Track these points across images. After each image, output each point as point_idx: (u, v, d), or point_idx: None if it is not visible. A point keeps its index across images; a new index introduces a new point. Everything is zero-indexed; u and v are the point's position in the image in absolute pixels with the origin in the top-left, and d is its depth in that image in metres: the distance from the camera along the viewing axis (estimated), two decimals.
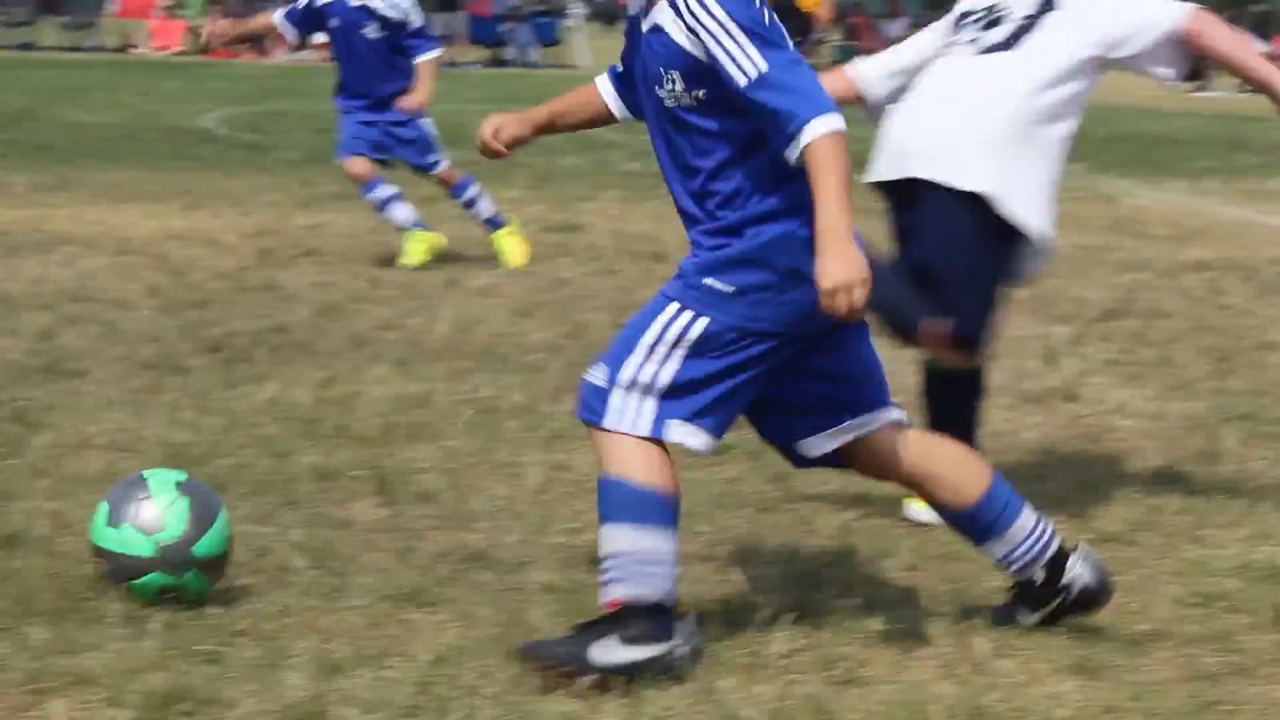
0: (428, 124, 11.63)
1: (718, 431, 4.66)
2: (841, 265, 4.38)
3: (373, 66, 11.46)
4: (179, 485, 5.07)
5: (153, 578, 4.95)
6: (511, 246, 11.49)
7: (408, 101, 11.43)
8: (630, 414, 4.59)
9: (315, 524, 5.84)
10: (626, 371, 4.60)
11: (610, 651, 4.52)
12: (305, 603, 5.07)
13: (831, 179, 4.41)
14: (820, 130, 4.41)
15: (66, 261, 10.99)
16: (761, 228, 4.59)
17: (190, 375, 8.00)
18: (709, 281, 4.60)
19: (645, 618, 4.54)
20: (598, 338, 9.16)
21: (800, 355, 4.69)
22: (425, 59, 11.57)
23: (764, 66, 4.45)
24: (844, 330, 4.69)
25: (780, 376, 4.71)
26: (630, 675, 4.50)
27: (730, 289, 4.58)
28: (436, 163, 11.65)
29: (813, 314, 4.52)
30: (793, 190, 4.55)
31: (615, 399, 4.60)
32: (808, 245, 4.49)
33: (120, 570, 4.98)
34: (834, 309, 4.41)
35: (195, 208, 13.88)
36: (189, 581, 4.98)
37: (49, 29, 42.97)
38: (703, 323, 4.59)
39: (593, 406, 4.64)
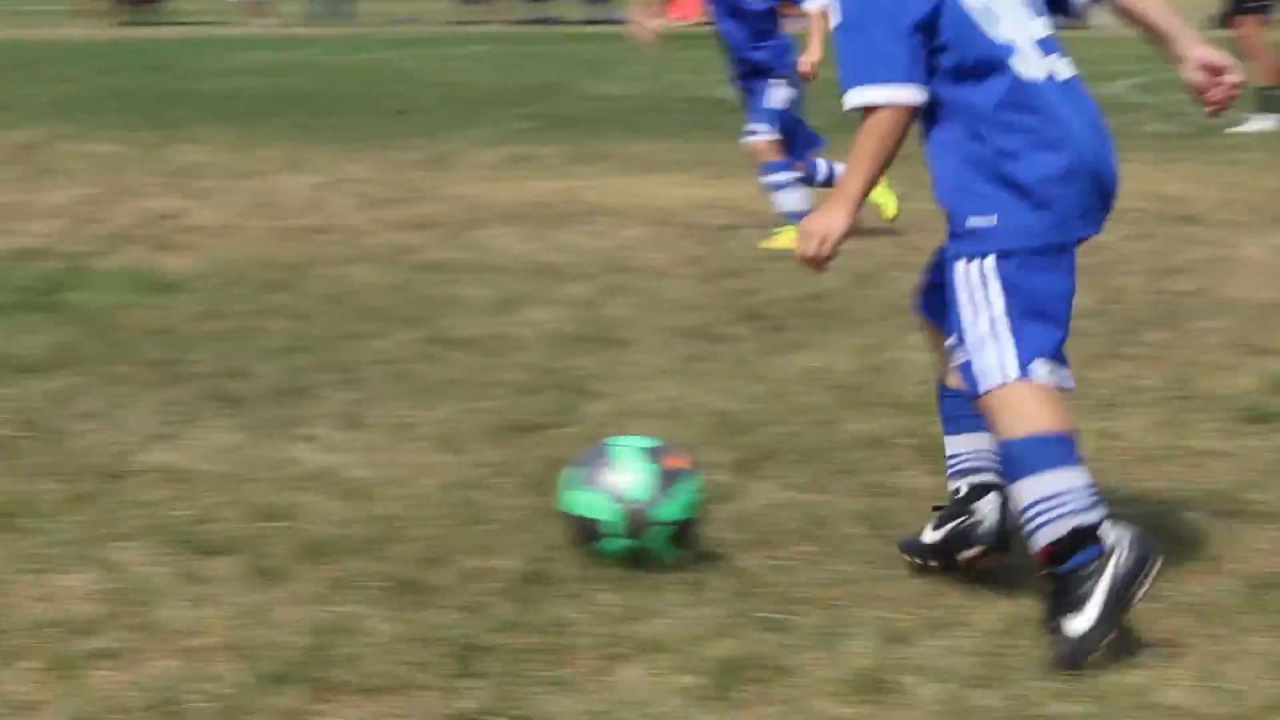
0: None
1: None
2: (825, 219, 4.61)
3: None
4: (645, 451, 5.19)
5: (617, 541, 5.08)
6: (885, 198, 10.93)
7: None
8: (995, 367, 4.55)
9: (868, 492, 5.85)
10: (971, 336, 4.57)
11: (1082, 617, 4.42)
12: (866, 571, 5.08)
13: (856, 148, 4.58)
14: (852, 102, 4.57)
15: (604, 232, 11.25)
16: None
17: (732, 343, 8.11)
18: (970, 224, 4.58)
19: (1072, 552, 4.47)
20: (1136, 302, 8.98)
21: None
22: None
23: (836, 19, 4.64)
24: None
25: None
26: (1118, 607, 4.43)
27: (991, 220, 4.55)
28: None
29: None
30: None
31: (978, 364, 4.57)
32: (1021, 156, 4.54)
33: (585, 532, 5.13)
34: (800, 250, 4.64)
35: (721, 176, 14.05)
36: (652, 545, 5.08)
37: (569, 3, 44.12)
38: (990, 260, 4.54)
39: (971, 381, 4.62)
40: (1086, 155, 4.63)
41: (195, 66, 25.61)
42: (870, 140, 4.55)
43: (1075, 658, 4.39)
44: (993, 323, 4.57)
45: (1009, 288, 4.57)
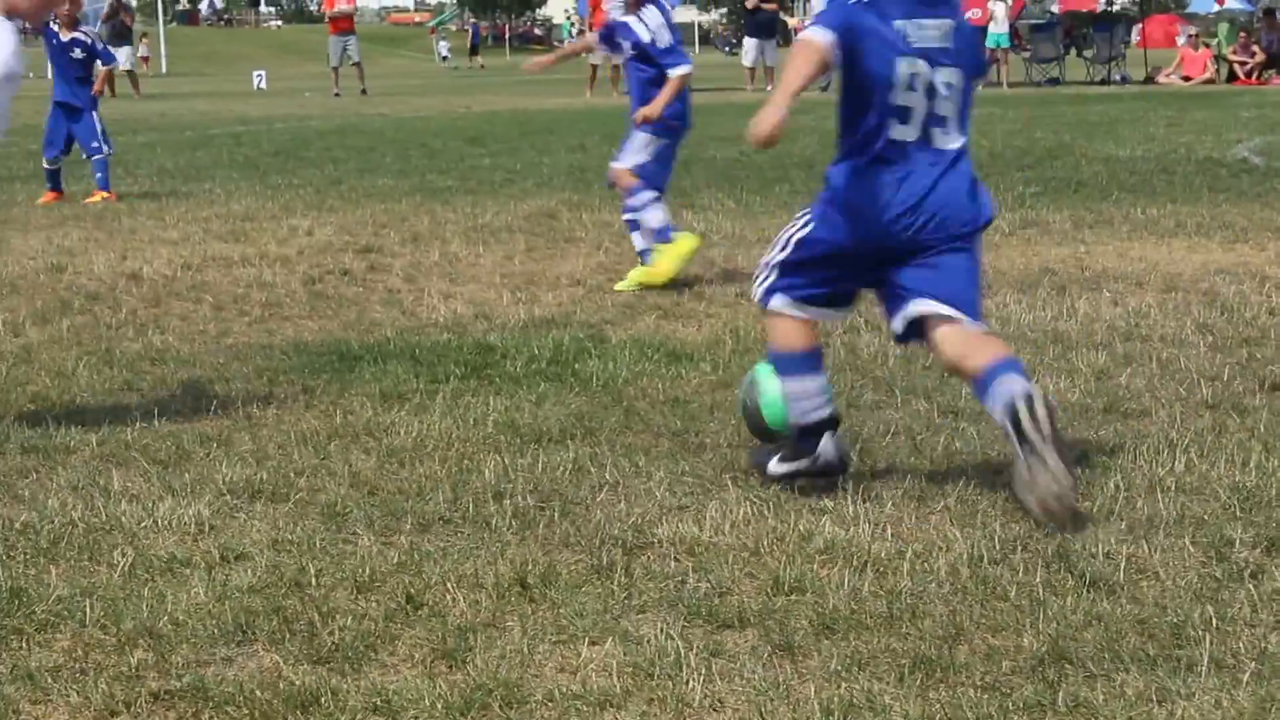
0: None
1: None
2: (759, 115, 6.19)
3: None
4: None
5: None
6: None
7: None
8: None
9: None
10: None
11: (774, 466, 6.71)
12: None
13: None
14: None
15: (1115, 299, 11.04)
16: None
17: (1251, 415, 7.85)
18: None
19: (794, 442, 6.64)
20: None
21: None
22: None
23: None
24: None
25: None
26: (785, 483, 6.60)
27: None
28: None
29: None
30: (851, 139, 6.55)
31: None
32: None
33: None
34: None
35: (1235, 241, 13.68)
36: None
37: (1075, 63, 43.65)
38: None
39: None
40: None
41: (705, 133, 26.07)
42: (791, 63, 6.40)
43: (761, 474, 6.78)
44: None
45: None
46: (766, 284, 6.78)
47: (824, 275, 6.68)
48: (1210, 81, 41.32)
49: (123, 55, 44.45)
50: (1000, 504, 6.46)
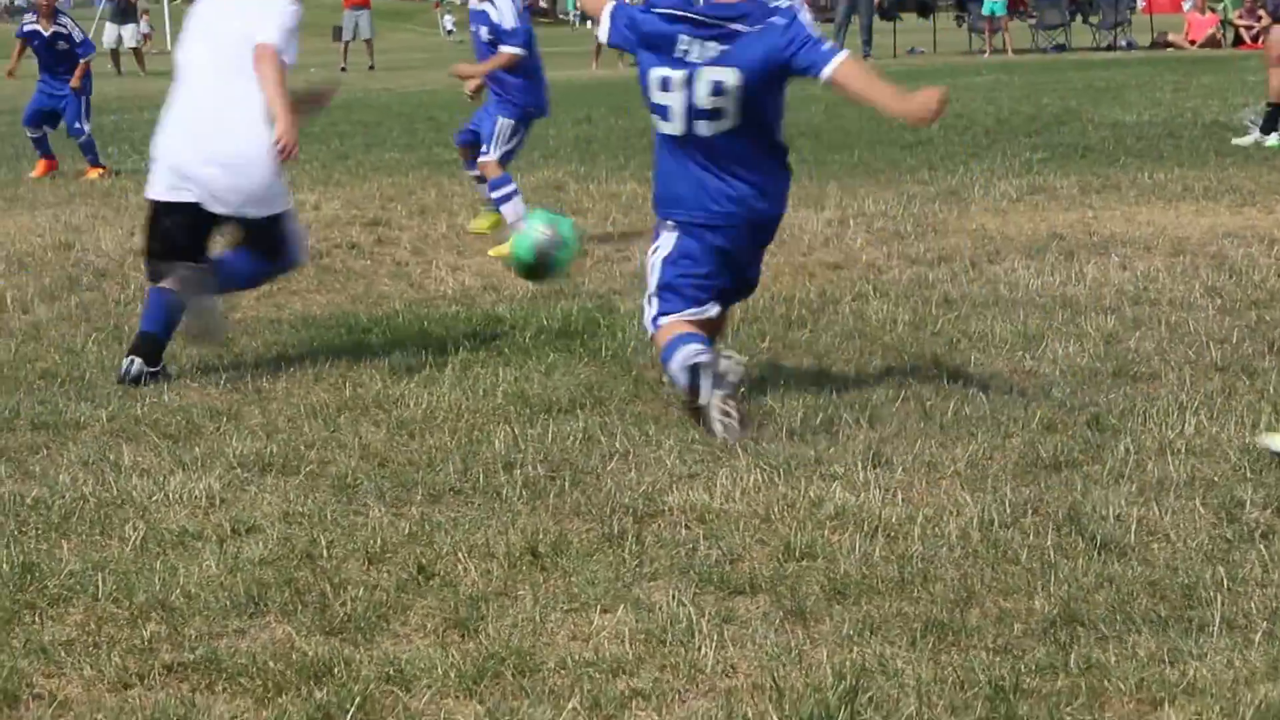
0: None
1: None
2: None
3: None
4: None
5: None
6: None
7: None
8: None
9: None
10: None
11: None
12: None
13: None
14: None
15: (1123, 263, 11.03)
16: None
17: (1260, 377, 7.84)
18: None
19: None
20: None
21: None
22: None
23: None
24: None
25: None
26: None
27: None
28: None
29: None
30: None
31: None
32: None
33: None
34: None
35: (1241, 204, 13.65)
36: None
37: (1081, 30, 43.53)
38: None
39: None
40: None
41: None
42: None
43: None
44: None
45: None
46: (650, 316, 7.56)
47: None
48: (1215, 45, 41.19)
49: (128, 33, 44.39)
50: (1010, 468, 6.46)
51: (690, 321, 7.40)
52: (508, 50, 12.51)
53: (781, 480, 6.37)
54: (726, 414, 6.98)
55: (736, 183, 7.35)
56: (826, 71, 7.17)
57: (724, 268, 7.50)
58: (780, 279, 10.75)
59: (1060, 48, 42.68)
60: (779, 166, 7.53)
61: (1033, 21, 44.14)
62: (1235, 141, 18.26)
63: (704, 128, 7.28)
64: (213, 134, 8.26)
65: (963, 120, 21.51)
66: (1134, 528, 5.71)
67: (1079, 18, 44.16)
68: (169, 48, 66.30)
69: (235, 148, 8.21)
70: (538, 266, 8.30)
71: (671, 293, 7.47)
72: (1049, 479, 6.35)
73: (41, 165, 18.65)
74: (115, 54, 43.89)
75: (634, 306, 9.79)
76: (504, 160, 12.57)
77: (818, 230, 12.75)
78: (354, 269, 11.76)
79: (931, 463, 6.58)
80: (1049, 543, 5.60)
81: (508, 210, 12.46)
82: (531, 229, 8.27)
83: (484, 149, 12.56)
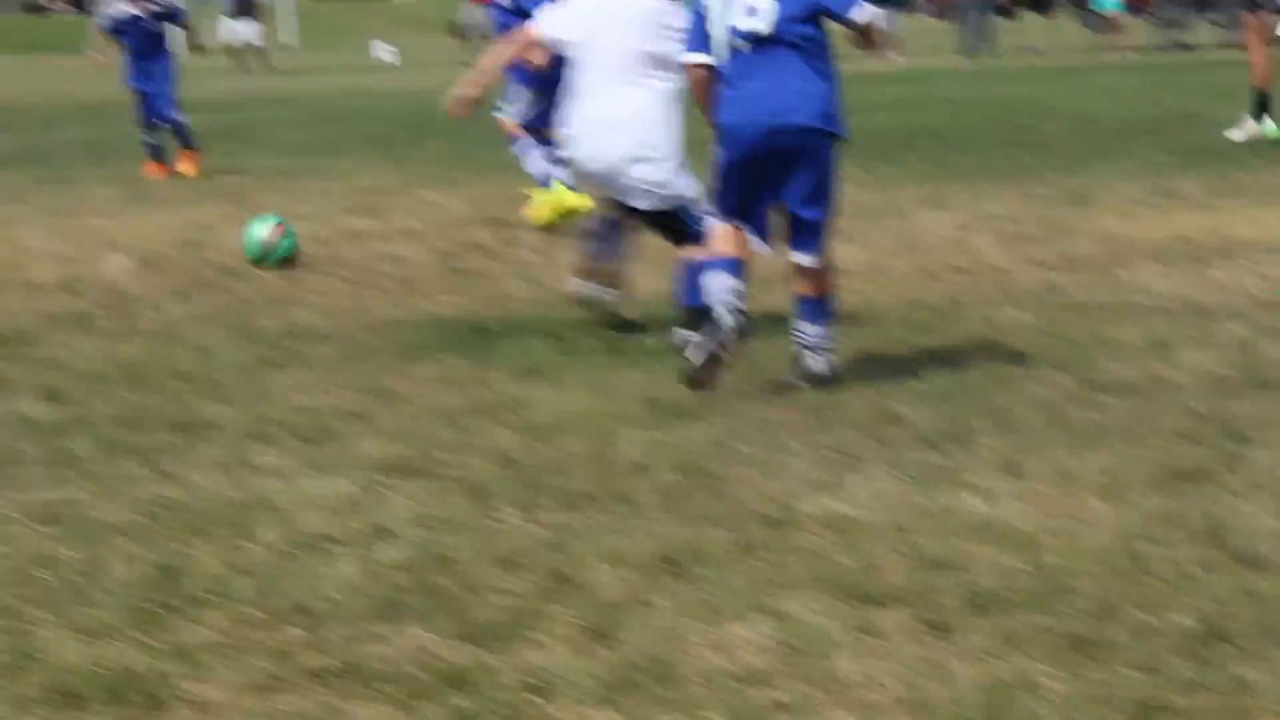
0: None
1: None
2: None
3: None
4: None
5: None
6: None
7: None
8: None
9: None
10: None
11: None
12: None
13: None
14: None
15: (1253, 268, 10.90)
16: None
17: None
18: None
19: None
20: None
21: None
22: None
23: None
24: None
25: None
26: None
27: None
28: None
29: None
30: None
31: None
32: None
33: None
34: None
35: None
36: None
37: (1202, 27, 43.10)
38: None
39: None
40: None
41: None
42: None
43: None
44: None
45: None
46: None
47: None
48: None
49: (253, 30, 44.74)
50: (1146, 479, 6.39)
51: (733, 242, 8.02)
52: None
53: (916, 489, 6.33)
54: (710, 353, 7.77)
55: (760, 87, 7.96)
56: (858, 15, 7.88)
57: (748, 182, 8.00)
58: (906, 281, 10.70)
59: (1184, 46, 42.27)
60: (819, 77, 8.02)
61: (1155, 20, 43.76)
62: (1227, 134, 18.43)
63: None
64: None
65: (1083, 120, 21.32)
66: (1277, 542, 5.64)
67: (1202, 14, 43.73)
68: (296, 44, 66.89)
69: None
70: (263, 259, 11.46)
71: (716, 198, 8.15)
72: (1186, 490, 6.28)
73: (154, 168, 18.37)
74: (235, 50, 44.24)
75: (762, 309, 9.77)
76: (519, 119, 12.93)
77: (942, 233, 12.67)
78: (479, 269, 11.79)
79: (1066, 472, 6.52)
80: (1190, 556, 5.53)
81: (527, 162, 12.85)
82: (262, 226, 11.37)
83: (501, 107, 13.04)
